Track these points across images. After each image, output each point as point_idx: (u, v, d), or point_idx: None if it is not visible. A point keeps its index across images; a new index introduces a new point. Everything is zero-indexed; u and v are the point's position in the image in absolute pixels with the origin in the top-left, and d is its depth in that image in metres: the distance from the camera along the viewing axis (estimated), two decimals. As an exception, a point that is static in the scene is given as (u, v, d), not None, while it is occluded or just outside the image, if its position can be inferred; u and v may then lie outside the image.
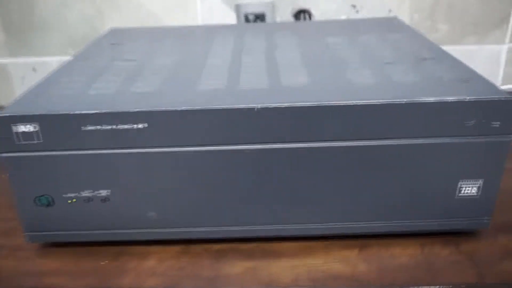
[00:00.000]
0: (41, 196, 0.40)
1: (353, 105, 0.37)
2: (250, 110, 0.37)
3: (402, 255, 0.42)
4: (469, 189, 0.40)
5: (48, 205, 0.41)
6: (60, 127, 0.38)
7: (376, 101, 0.37)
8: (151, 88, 0.41)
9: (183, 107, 0.37)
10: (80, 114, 0.37)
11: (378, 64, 0.46)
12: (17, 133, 0.38)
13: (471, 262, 0.40)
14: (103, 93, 0.41)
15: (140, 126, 0.38)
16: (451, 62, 0.45)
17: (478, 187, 0.40)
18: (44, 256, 0.43)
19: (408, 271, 0.40)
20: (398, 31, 0.58)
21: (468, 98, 0.37)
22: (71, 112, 0.37)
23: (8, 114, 0.37)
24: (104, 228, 0.42)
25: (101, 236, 0.43)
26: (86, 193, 0.41)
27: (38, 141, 0.38)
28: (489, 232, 0.44)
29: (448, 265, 0.40)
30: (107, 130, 0.38)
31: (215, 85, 0.42)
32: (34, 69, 0.80)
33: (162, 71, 0.46)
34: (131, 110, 0.37)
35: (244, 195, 0.41)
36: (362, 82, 0.41)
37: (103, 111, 0.37)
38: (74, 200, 0.41)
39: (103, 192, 0.40)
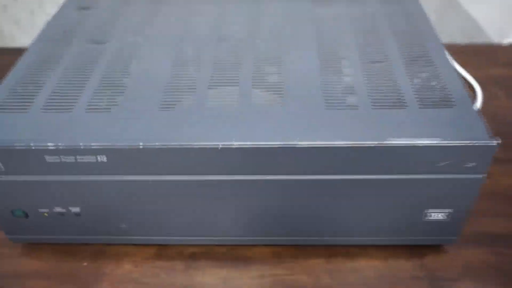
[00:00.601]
0: (15, 209, 0.41)
1: (320, 147, 0.35)
2: (213, 149, 0.35)
3: (366, 267, 0.43)
4: (437, 215, 0.40)
5: (25, 216, 0.42)
6: (19, 158, 0.37)
7: (344, 143, 0.35)
8: (111, 102, 0.39)
9: (140, 145, 0.35)
10: (38, 149, 0.36)
11: (362, 63, 0.43)
12: (-22, 162, 0.37)
13: (430, 280, 0.42)
14: (60, 108, 0.39)
15: (100, 159, 0.37)
16: (442, 69, 0.42)
17: (447, 215, 0.40)
18: (26, 254, 0.46)
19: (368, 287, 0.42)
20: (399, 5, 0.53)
21: (441, 143, 0.34)
22: (27, 147, 0.36)
23: (-35, 147, 0.36)
24: (81, 234, 0.44)
25: (78, 240, 0.45)
26: (58, 209, 0.41)
27: (1, 169, 0.38)
28: (456, 244, 0.44)
29: (409, 282, 0.42)
30: (68, 161, 0.37)
31: (180, 100, 0.39)
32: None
33: (128, 68, 0.43)
34: (88, 147, 0.36)
35: (210, 215, 0.41)
36: (337, 102, 0.38)
37: (60, 147, 0.36)
38: (46, 214, 0.42)
39: (74, 209, 0.41)
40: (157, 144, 0.35)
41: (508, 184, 0.51)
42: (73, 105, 0.40)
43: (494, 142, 0.34)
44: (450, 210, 0.39)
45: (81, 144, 0.36)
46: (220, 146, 0.35)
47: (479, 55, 0.71)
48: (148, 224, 0.42)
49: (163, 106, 0.39)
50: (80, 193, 0.40)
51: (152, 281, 0.43)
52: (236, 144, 0.35)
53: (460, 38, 0.78)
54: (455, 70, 0.42)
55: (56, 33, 0.50)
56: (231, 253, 0.45)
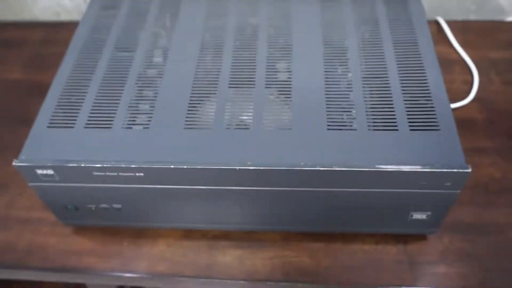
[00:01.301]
0: (67, 205, 0.50)
1: (320, 170, 0.42)
2: (232, 169, 0.43)
3: (359, 251, 0.52)
4: (420, 216, 0.47)
5: (75, 209, 0.51)
6: (71, 172, 0.45)
7: (340, 168, 0.42)
8: (142, 120, 0.47)
9: (172, 166, 0.43)
10: (86, 167, 0.44)
11: (364, 78, 0.48)
12: (39, 174, 0.45)
13: (411, 263, 0.50)
14: (101, 126, 0.47)
15: (138, 174, 0.44)
16: (434, 88, 0.47)
17: (428, 216, 0.47)
18: (78, 233, 0.55)
19: (359, 269, 0.50)
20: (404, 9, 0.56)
21: (422, 169, 0.41)
22: (76, 165, 0.44)
23: (29, 164, 0.44)
24: (121, 221, 0.53)
25: (119, 225, 0.54)
26: (103, 206, 0.50)
27: (57, 179, 0.46)
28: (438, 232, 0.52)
29: (392, 264, 0.50)
30: (112, 175, 0.45)
31: (202, 122, 0.46)
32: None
33: (152, 84, 0.49)
34: (128, 166, 0.43)
35: (228, 213, 0.49)
36: (337, 121, 0.45)
37: (105, 165, 0.43)
38: (94, 208, 0.50)
39: (116, 206, 0.50)
40: (185, 166, 0.43)
41: (490, 174, 0.57)
42: (111, 122, 0.46)
43: (467, 170, 0.40)
44: (430, 213, 0.47)
45: (123, 165, 0.43)
46: (238, 168, 0.42)
47: (482, 33, 0.74)
48: (177, 216, 0.51)
49: (187, 125, 0.46)
50: (121, 195, 0.48)
51: (182, 260, 0.52)
52: (251, 167, 0.42)
53: (469, 5, 0.80)
54: (446, 91, 0.47)
55: (87, 40, 0.55)
56: (247, 237, 0.54)
